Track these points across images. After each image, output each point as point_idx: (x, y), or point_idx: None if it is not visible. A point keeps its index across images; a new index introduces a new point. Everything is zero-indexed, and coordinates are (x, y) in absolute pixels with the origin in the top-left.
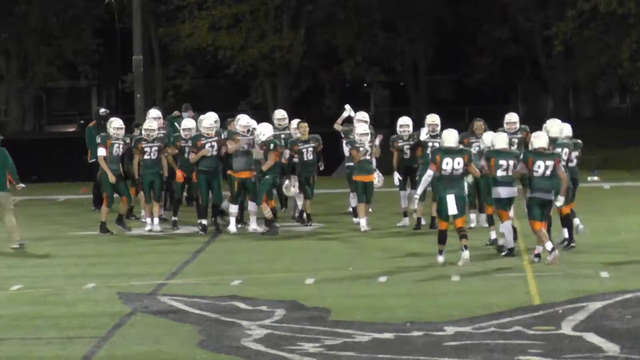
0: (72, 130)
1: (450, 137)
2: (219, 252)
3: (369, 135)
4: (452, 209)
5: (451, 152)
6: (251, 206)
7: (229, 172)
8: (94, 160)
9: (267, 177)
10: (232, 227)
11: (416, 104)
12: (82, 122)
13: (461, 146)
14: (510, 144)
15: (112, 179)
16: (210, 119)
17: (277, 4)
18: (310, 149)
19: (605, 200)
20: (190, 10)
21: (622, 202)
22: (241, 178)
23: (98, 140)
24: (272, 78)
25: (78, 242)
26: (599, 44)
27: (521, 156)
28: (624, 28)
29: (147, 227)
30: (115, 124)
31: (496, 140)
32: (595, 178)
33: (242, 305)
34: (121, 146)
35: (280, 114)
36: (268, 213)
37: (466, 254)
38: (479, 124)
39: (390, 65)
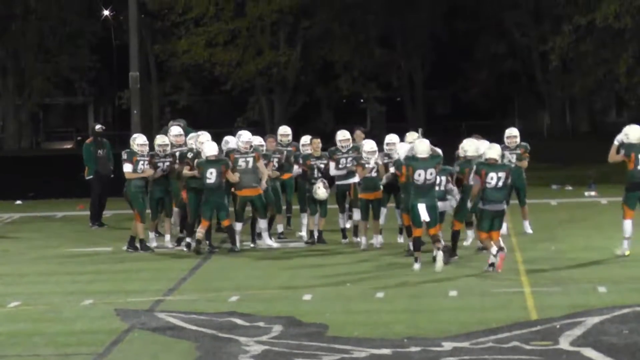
0: (69, 147)
1: (423, 148)
2: (216, 269)
3: (376, 153)
4: (424, 215)
5: (424, 163)
6: (262, 223)
7: (232, 189)
8: (90, 177)
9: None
10: (237, 244)
11: (413, 120)
12: (79, 138)
13: (435, 152)
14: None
15: (149, 173)
16: (247, 134)
17: (274, 20)
18: (322, 165)
19: (603, 215)
20: (187, 27)
21: (620, 218)
22: (245, 196)
23: (124, 156)
24: (269, 94)
25: (75, 259)
26: (595, 58)
27: (474, 168)
28: (620, 42)
29: (154, 244)
30: (139, 140)
31: (488, 152)
32: (593, 193)
33: (239, 321)
34: (146, 163)
35: (284, 130)
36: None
37: (440, 256)
38: (475, 138)
39: (387, 80)
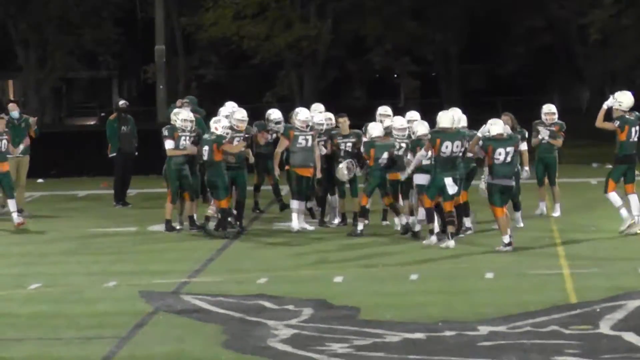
0: (92, 123)
1: (446, 118)
2: (244, 249)
3: (406, 131)
4: (451, 189)
5: (449, 135)
6: (296, 204)
7: (287, 167)
8: (114, 154)
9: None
10: (295, 223)
11: (448, 95)
12: (102, 114)
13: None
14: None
15: (191, 150)
16: (242, 112)
17: None
18: (349, 144)
19: None
20: None
21: None
22: (299, 174)
23: (165, 132)
24: (298, 69)
25: (98, 239)
26: (637, 32)
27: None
28: None
29: (179, 226)
30: (183, 115)
31: (492, 127)
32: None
33: (268, 304)
34: (188, 139)
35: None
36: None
37: (451, 243)
38: (505, 118)
39: (421, 54)
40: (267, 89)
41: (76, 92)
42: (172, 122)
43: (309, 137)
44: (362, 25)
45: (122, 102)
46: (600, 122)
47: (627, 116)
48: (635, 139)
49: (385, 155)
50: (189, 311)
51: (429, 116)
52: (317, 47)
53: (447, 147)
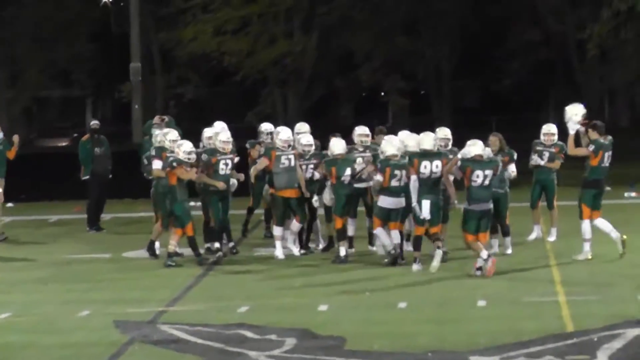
0: (64, 144)
1: (428, 140)
2: (225, 276)
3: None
4: (425, 213)
5: (429, 155)
6: (294, 226)
7: (271, 190)
8: (87, 177)
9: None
10: (279, 252)
11: (439, 113)
12: (75, 135)
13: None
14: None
15: (191, 175)
16: (227, 133)
17: (288, 6)
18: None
19: None
20: (194, 13)
21: None
22: (285, 197)
23: (152, 152)
24: (282, 86)
25: (71, 266)
26: (636, 47)
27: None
28: None
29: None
30: (171, 136)
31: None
32: (633, 194)
33: (249, 333)
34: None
35: (362, 130)
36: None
37: (438, 255)
38: (493, 139)
39: (411, 71)
40: (250, 107)
41: (48, 111)
42: (159, 143)
43: (292, 157)
44: (350, 40)
45: (93, 123)
46: (572, 150)
47: (601, 140)
48: (607, 164)
49: (348, 171)
50: (166, 341)
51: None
52: (302, 63)
53: (426, 168)
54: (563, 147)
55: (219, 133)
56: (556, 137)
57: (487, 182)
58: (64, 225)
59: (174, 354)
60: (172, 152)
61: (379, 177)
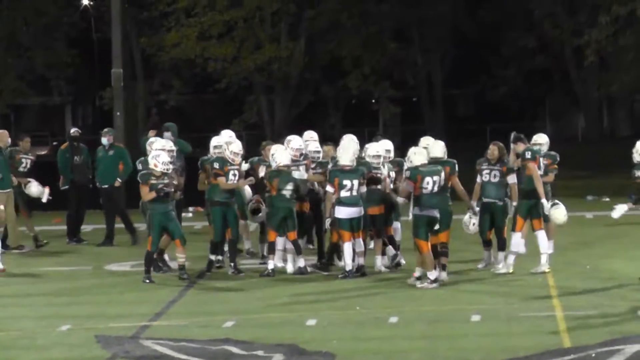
0: (43, 153)
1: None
2: (210, 290)
3: (381, 158)
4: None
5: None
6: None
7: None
8: (66, 187)
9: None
10: (290, 266)
11: (431, 122)
12: (54, 143)
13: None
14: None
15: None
16: (238, 143)
17: (274, 10)
18: None
19: None
20: (177, 18)
21: None
22: (299, 211)
23: (139, 166)
24: (268, 93)
25: (51, 279)
26: (636, 53)
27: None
28: None
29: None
30: (157, 145)
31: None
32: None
33: (235, 349)
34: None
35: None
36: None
37: (444, 274)
38: (493, 147)
39: (402, 78)
40: (235, 115)
41: (26, 119)
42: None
43: (303, 167)
44: (338, 46)
45: (73, 130)
46: (513, 161)
47: (535, 148)
48: (542, 172)
49: (290, 186)
50: (149, 357)
51: (411, 144)
52: (289, 69)
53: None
54: (556, 158)
55: (231, 143)
56: (546, 147)
57: (436, 188)
58: (43, 237)
59: None
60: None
61: (329, 188)
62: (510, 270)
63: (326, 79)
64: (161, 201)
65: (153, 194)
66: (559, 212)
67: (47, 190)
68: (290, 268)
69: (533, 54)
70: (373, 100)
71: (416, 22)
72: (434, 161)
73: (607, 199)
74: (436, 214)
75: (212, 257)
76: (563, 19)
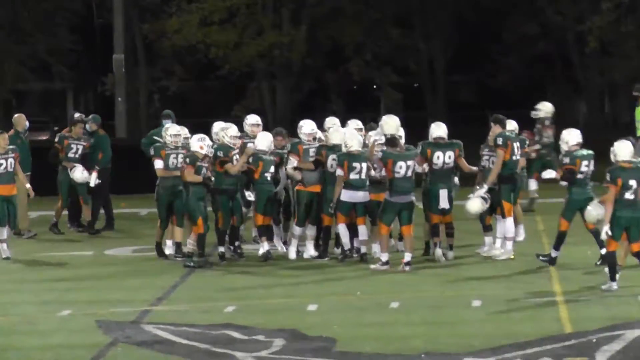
0: (44, 138)
1: (440, 129)
2: (211, 275)
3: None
4: (444, 202)
5: (441, 146)
6: (310, 229)
7: (297, 187)
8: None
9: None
10: (292, 252)
11: (433, 108)
12: (56, 129)
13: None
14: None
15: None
16: (234, 127)
17: None
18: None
19: None
20: (179, 4)
21: None
22: (314, 192)
23: (151, 151)
24: (270, 79)
25: (52, 265)
26: (638, 40)
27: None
28: None
29: (168, 251)
30: (172, 131)
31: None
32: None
33: (236, 334)
34: (179, 156)
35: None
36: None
37: (450, 254)
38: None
39: (404, 64)
40: (237, 101)
41: (28, 105)
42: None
43: (315, 150)
44: (340, 32)
45: (77, 115)
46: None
47: (507, 133)
48: (518, 157)
49: (273, 169)
50: (150, 342)
51: (413, 130)
52: (291, 56)
53: (439, 158)
54: (524, 141)
55: (227, 128)
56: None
57: (409, 173)
58: (44, 222)
59: (158, 355)
60: (176, 148)
61: (339, 172)
62: (511, 256)
63: (328, 65)
64: (202, 185)
65: (200, 177)
66: (471, 203)
67: (94, 174)
68: (292, 254)
69: (535, 41)
70: (375, 87)
71: (418, 8)
72: (443, 142)
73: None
74: (409, 199)
75: (222, 249)
76: (565, 5)
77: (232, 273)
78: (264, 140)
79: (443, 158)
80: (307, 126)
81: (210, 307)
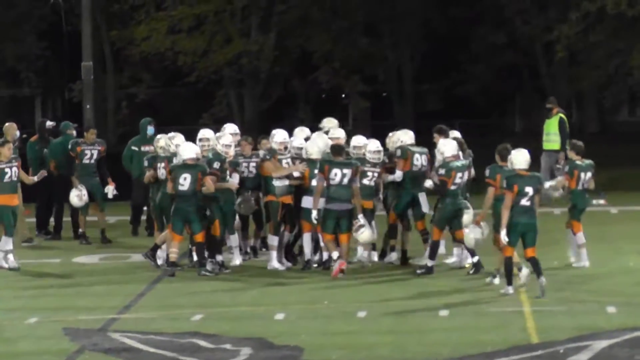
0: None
1: (407, 136)
2: (179, 283)
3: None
4: (425, 207)
5: (416, 149)
6: (284, 237)
7: (268, 197)
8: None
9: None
10: (275, 262)
11: (401, 117)
12: (24, 136)
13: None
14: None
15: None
16: (229, 136)
17: (245, 4)
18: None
19: (612, 225)
20: (147, 11)
21: (632, 228)
22: (285, 203)
23: (145, 163)
24: (238, 87)
25: (19, 271)
26: (606, 49)
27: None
28: (634, 32)
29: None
30: (178, 141)
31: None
32: (602, 201)
33: (203, 342)
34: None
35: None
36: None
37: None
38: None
39: (372, 73)
40: (205, 109)
41: None
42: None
43: (289, 161)
44: (308, 41)
45: (48, 123)
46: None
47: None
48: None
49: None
50: (117, 350)
51: (382, 139)
52: (259, 64)
53: (418, 160)
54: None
55: (221, 137)
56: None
57: (345, 180)
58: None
59: None
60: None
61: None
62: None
63: (296, 73)
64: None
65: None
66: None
67: (110, 187)
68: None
69: (503, 50)
70: (343, 95)
71: (386, 17)
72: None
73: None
74: (346, 207)
75: (220, 258)
76: (533, 15)
77: (199, 280)
78: (189, 150)
79: (421, 160)
80: (279, 135)
81: (178, 314)
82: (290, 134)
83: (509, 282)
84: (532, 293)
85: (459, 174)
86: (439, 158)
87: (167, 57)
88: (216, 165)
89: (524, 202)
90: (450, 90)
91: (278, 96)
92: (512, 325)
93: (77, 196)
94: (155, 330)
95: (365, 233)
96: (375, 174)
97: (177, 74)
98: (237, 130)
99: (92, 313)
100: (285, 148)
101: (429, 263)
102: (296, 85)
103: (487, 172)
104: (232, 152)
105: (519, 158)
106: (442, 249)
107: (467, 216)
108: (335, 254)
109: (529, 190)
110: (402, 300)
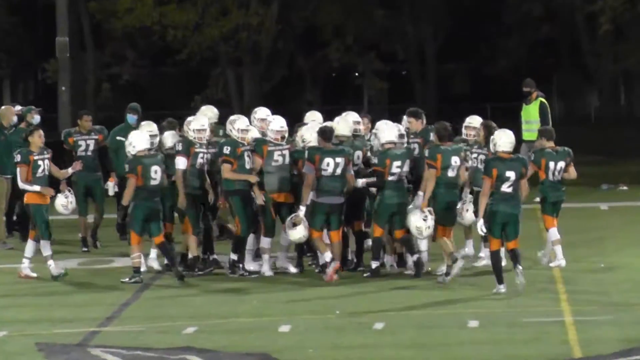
0: None
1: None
2: (168, 291)
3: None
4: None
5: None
6: (264, 243)
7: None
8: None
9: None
10: (267, 268)
11: (423, 100)
12: None
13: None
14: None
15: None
16: (243, 119)
17: None
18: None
19: None
20: None
21: None
22: (278, 201)
23: (178, 147)
24: (236, 66)
25: None
26: None
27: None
28: None
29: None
30: (195, 125)
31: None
32: (624, 187)
33: (197, 359)
34: (206, 156)
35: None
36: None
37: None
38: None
39: (390, 50)
40: (198, 91)
41: None
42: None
43: (286, 153)
44: (316, 12)
45: (17, 108)
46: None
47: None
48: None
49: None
50: None
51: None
52: (260, 39)
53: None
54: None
55: (235, 120)
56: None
57: (338, 171)
58: None
59: None
60: (202, 145)
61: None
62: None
63: (302, 49)
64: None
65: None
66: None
67: (111, 183)
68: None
69: (539, 23)
70: (357, 74)
71: None
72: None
73: (625, 188)
74: (337, 200)
75: (234, 257)
76: None
77: (192, 288)
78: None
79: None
80: (276, 122)
81: (168, 327)
82: (296, 119)
83: (499, 281)
84: (574, 303)
85: (396, 163)
86: (374, 143)
87: (155, 32)
88: (226, 150)
89: (505, 188)
90: (478, 70)
91: (281, 76)
92: (551, 338)
93: (63, 205)
94: (142, 345)
95: (297, 230)
96: None
97: (165, 51)
98: (270, 115)
99: (70, 326)
100: (283, 137)
101: (373, 265)
102: (302, 63)
103: (426, 153)
104: (249, 137)
105: (503, 139)
106: (470, 250)
107: (414, 216)
108: (327, 256)
109: (511, 175)
110: (425, 309)
